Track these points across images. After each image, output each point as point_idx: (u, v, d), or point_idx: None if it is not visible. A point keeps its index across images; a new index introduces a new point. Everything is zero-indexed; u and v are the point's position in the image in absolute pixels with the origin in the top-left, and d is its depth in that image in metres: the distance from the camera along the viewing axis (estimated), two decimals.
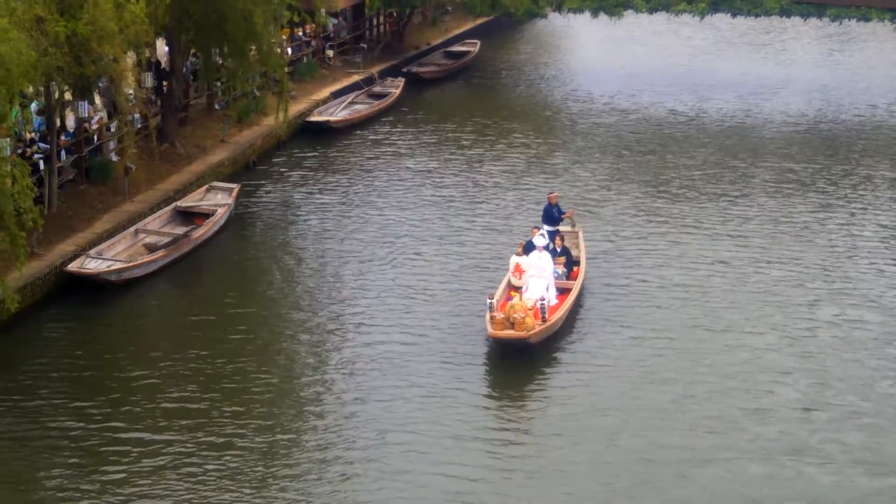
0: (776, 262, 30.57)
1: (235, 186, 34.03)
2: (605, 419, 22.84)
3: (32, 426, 22.23)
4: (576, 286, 27.29)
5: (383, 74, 48.53)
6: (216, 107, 40.25)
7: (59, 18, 27.89)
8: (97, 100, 32.97)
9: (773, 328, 26.76)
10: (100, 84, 32.61)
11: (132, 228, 30.77)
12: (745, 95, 48.70)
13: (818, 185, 37.08)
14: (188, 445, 21.63)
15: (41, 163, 30.25)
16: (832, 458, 21.64)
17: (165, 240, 30.32)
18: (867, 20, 50.03)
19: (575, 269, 28.21)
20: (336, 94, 45.13)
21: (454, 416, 22.73)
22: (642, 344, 25.81)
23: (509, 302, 25.39)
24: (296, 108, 38.70)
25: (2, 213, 24.72)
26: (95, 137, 33.42)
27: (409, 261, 30.31)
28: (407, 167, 38.25)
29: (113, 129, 33.99)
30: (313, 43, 48.19)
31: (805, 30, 59.82)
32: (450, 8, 57.68)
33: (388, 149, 40.39)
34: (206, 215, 32.10)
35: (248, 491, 20.30)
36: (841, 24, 51.99)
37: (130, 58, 32.26)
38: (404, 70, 49.77)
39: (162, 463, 21.07)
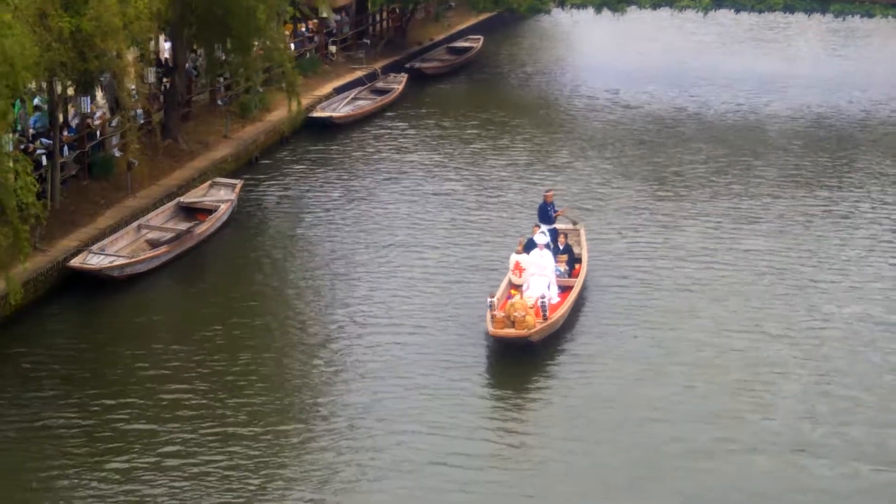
0: (780, 256, 30.54)
1: (238, 182, 33.99)
2: (607, 414, 22.84)
3: (35, 419, 22.25)
4: (577, 284, 27.20)
5: (386, 70, 48.42)
6: (219, 102, 40.21)
7: (63, 14, 27.85)
8: (98, 95, 32.89)
9: (777, 322, 26.74)
10: (101, 79, 32.56)
11: (135, 224, 30.74)
12: (749, 91, 48.59)
13: (822, 181, 37.04)
14: (191, 438, 21.65)
15: (44, 158, 30.20)
16: (836, 452, 21.65)
17: (168, 235, 30.28)
18: (871, 16, 49.92)
19: (577, 266, 28.11)
20: (339, 90, 45.07)
21: (456, 411, 22.73)
22: (645, 341, 25.77)
23: (510, 301, 25.32)
24: (293, 108, 38.58)
25: (5, 207, 24.75)
26: (98, 133, 33.38)
27: (411, 257, 30.27)
28: (409, 163, 38.20)
29: (115, 125, 33.95)
30: (316, 39, 48.12)
31: (809, 25, 59.70)
32: (453, 3, 57.61)
33: (391, 145, 40.35)
34: (209, 211, 32.06)
35: (250, 483, 20.32)
36: (844, 19, 51.88)
37: (133, 53, 32.23)
38: (407, 66, 49.67)
39: (164, 456, 21.09)
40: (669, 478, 20.82)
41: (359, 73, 47.06)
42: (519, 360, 24.66)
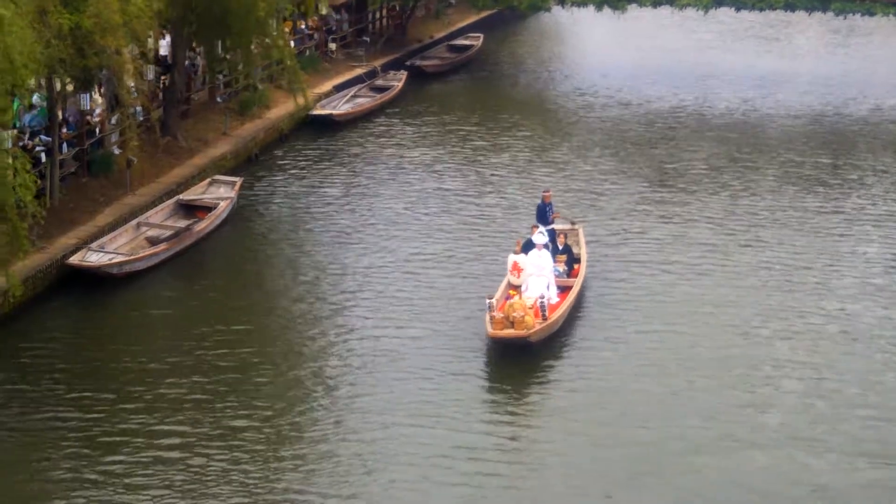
0: (780, 254, 30.52)
1: (238, 180, 33.95)
2: (606, 410, 22.82)
3: (35, 415, 22.22)
4: (576, 284, 27.11)
5: (386, 68, 48.40)
6: (218, 100, 40.16)
7: (63, 10, 27.80)
8: (95, 93, 32.84)
9: (777, 321, 26.72)
10: (101, 76, 32.51)
11: (134, 221, 30.69)
12: (750, 89, 48.60)
13: (823, 179, 37.02)
14: (191, 433, 21.66)
15: (43, 155, 30.15)
16: (835, 448, 21.66)
17: (167, 233, 30.24)
18: (871, 14, 49.96)
19: (576, 266, 28.03)
20: (339, 88, 45.04)
21: (456, 407, 22.71)
22: (644, 340, 25.70)
23: (508, 301, 25.24)
24: (301, 101, 38.64)
25: (3, 204, 24.71)
26: (97, 130, 33.33)
27: (411, 254, 30.23)
28: (409, 160, 38.16)
29: (115, 122, 33.90)
30: (316, 36, 48.07)
31: (810, 23, 59.67)
32: (453, 1, 57.58)
33: (391, 142, 40.30)
34: (209, 208, 32.01)
35: (250, 480, 20.28)
36: (845, 18, 51.90)
37: (133, 51, 32.18)
38: (407, 63, 49.65)
39: (164, 451, 21.09)
40: (669, 473, 20.80)
41: (359, 71, 47.02)
42: (518, 359, 24.61)
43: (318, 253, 30.58)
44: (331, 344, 25.49)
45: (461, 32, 56.22)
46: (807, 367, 24.71)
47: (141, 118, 34.26)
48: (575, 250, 28.52)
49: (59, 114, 31.57)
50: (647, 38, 57.95)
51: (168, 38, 37.50)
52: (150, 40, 35.05)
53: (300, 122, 41.00)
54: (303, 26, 47.36)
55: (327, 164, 37.79)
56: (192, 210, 32.11)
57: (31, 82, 29.18)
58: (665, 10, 53.44)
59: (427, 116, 43.63)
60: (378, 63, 48.49)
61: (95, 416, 22.23)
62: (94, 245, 28.79)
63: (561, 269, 27.40)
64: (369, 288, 28.17)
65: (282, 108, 40.65)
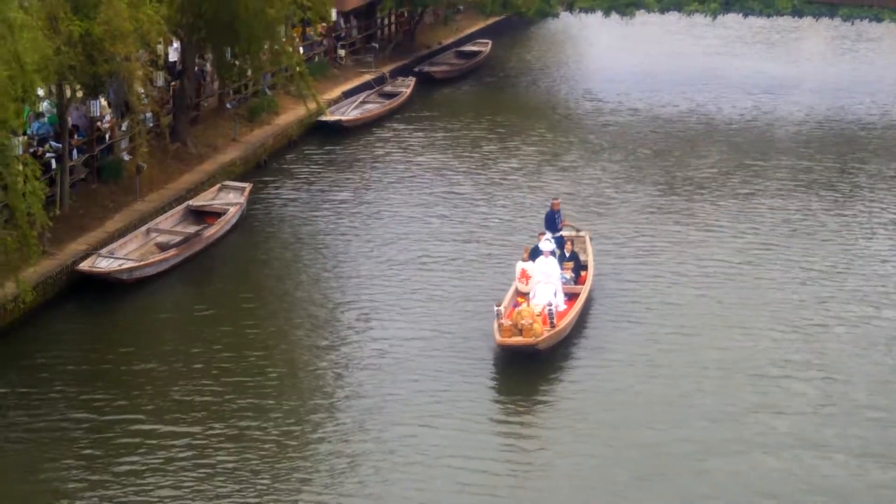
0: (788, 260, 30.55)
1: (247, 185, 34.03)
2: (614, 415, 22.90)
3: (46, 418, 22.35)
4: (584, 291, 27.10)
5: (394, 74, 48.49)
6: (227, 106, 40.27)
7: (73, 17, 27.90)
8: (102, 101, 32.93)
9: (786, 324, 26.81)
10: (111, 84, 32.60)
11: (144, 227, 30.78)
12: (758, 95, 48.61)
13: (831, 184, 37.04)
14: (200, 438, 21.75)
15: (53, 162, 30.26)
16: (844, 451, 21.72)
17: (177, 239, 30.32)
18: (879, 20, 49.90)
19: (583, 273, 28.02)
20: (347, 94, 45.12)
21: (464, 412, 22.81)
22: (653, 345, 25.73)
23: (517, 309, 25.27)
24: (312, 106, 38.72)
25: (14, 211, 24.82)
26: (107, 136, 33.44)
27: (419, 261, 30.28)
28: (418, 166, 38.23)
29: (125, 129, 34.00)
30: (325, 42, 48.17)
31: (817, 29, 59.68)
32: (461, 7, 57.61)
33: (400, 148, 40.38)
34: (218, 214, 32.10)
35: (259, 482, 20.39)
36: (853, 24, 51.87)
37: (142, 57, 32.26)
38: (416, 69, 49.73)
39: (174, 455, 21.19)
40: (677, 476, 20.87)
41: (367, 77, 47.11)
42: (526, 365, 24.65)
43: (327, 258, 30.64)
44: (340, 348, 25.55)
45: (469, 38, 56.27)
46: (816, 370, 24.76)
47: (151, 124, 34.36)
48: (582, 257, 28.50)
49: (69, 120, 31.68)
50: (655, 43, 57.98)
51: (178, 44, 37.60)
52: (160, 46, 35.18)
53: (309, 128, 41.07)
54: (311, 32, 47.42)
55: (336, 169, 37.87)
56: (202, 216, 32.20)
57: (42, 90, 29.28)
58: (673, 16, 53.46)
59: (435, 122, 43.70)
60: (387, 69, 48.59)
61: (106, 418, 22.36)
62: (104, 251, 28.88)
63: (568, 277, 27.40)
64: (378, 292, 28.22)
65: (291, 115, 40.74)
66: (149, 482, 20.35)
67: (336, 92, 44.97)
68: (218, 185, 34.03)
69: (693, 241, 31.88)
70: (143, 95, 32.52)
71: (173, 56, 39.06)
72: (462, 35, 56.56)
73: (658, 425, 22.46)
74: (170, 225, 31.43)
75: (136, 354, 25.06)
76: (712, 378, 24.34)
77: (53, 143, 30.92)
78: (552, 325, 24.94)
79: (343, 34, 50.01)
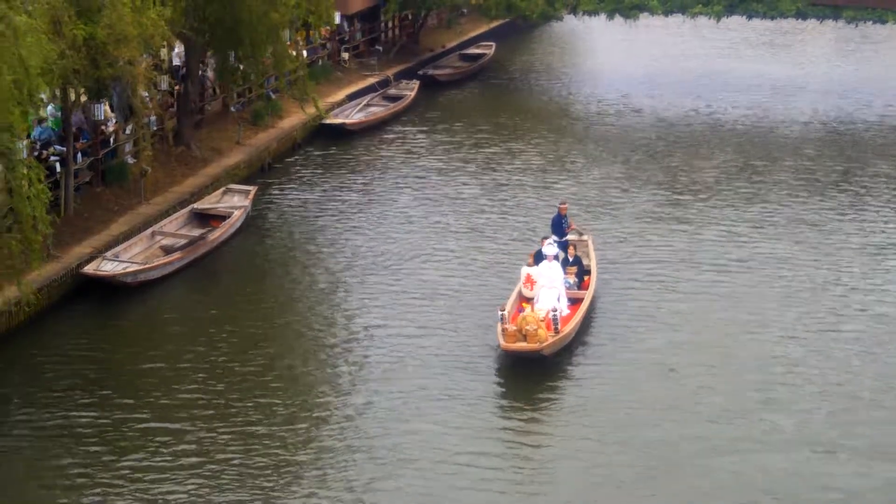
0: (794, 260, 30.54)
1: (252, 189, 34.06)
2: (619, 415, 22.89)
3: (51, 419, 22.41)
4: (587, 296, 27.04)
5: (398, 77, 48.55)
6: (232, 109, 40.30)
7: (77, 21, 27.94)
8: (104, 105, 32.97)
9: (791, 325, 26.80)
10: (114, 88, 32.64)
11: (148, 231, 30.81)
12: (762, 97, 48.62)
13: (836, 185, 37.03)
14: (206, 437, 21.82)
15: (57, 165, 30.30)
16: (851, 450, 21.72)
17: (182, 242, 30.34)
18: (883, 22, 49.88)
19: (586, 278, 27.95)
20: (351, 97, 45.17)
21: (468, 411, 22.85)
22: (658, 348, 25.66)
23: (521, 314, 25.22)
24: (311, 111, 38.80)
25: (18, 214, 24.83)
26: (111, 140, 33.47)
27: (424, 263, 30.28)
28: (422, 168, 38.25)
29: (129, 132, 34.03)
30: (328, 46, 48.21)
31: (822, 32, 59.68)
32: (465, 10, 57.67)
33: (404, 151, 40.40)
34: (223, 217, 32.12)
35: (265, 482, 20.44)
36: (857, 26, 51.82)
37: (146, 61, 32.30)
38: (419, 72, 49.78)
39: (179, 454, 21.25)
40: (683, 476, 20.88)
41: (371, 80, 47.15)
42: (530, 368, 24.64)
43: (332, 261, 30.65)
44: (345, 350, 25.57)
45: (473, 41, 56.33)
46: (823, 369, 24.76)
47: (155, 128, 34.40)
48: (585, 262, 28.42)
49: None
50: (658, 46, 58.01)
51: (181, 47, 37.63)
52: (164, 50, 35.21)
53: (313, 132, 41.09)
54: (313, 35, 47.42)
55: (340, 172, 37.89)
56: (207, 219, 32.23)
57: (45, 94, 29.32)
58: (677, 19, 53.41)
59: (439, 125, 43.72)
60: (391, 72, 48.65)
61: (111, 419, 22.41)
62: (108, 254, 28.90)
63: (571, 281, 27.31)
64: (382, 294, 28.23)
65: (295, 118, 40.78)
66: (154, 483, 20.39)
67: (340, 95, 45.01)
68: (222, 189, 34.05)
69: (697, 242, 31.84)
70: (146, 99, 32.55)
71: (176, 60, 39.12)
72: (466, 38, 56.62)
73: (664, 425, 22.44)
74: (174, 228, 31.46)
75: (140, 356, 25.09)
76: (718, 378, 24.33)
77: (58, 147, 30.96)
78: (556, 331, 24.87)
79: (347, 37, 50.05)
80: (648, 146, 41.26)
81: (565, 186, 36.29)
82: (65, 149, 30.58)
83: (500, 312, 25.21)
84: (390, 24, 53.75)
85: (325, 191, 36.06)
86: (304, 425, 22.41)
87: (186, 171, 35.13)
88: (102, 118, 32.63)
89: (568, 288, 26.85)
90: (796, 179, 37.62)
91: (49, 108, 32.26)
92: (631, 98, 47.96)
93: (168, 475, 20.62)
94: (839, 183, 37.32)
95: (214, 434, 21.95)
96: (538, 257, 27.05)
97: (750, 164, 39.08)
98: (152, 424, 22.25)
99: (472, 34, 57.43)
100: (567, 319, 25.60)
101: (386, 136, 42.04)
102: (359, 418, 22.68)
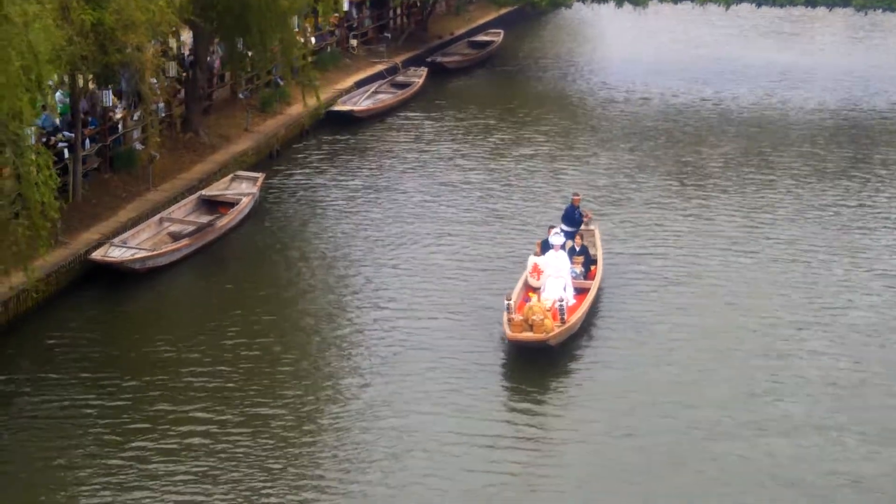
0: (802, 248, 30.52)
1: (260, 175, 34.07)
2: (626, 402, 22.92)
3: (59, 403, 22.52)
4: (594, 286, 26.95)
5: (407, 64, 48.51)
6: (240, 96, 40.30)
7: (86, 7, 27.94)
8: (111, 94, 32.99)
9: (799, 312, 26.81)
10: (122, 74, 32.66)
11: (156, 217, 30.84)
12: (771, 84, 48.53)
13: (845, 173, 36.97)
14: (213, 422, 21.91)
15: (66, 151, 30.33)
16: (858, 436, 21.77)
17: (190, 228, 30.37)
18: (893, 10, 49.89)
19: (593, 268, 27.88)
20: (360, 84, 45.13)
21: (477, 396, 22.93)
22: (665, 335, 25.68)
23: (527, 304, 25.19)
24: (311, 101, 38.72)
25: (27, 200, 24.87)
26: (120, 126, 33.50)
27: (432, 250, 30.29)
28: (430, 155, 38.23)
29: (137, 118, 34.06)
30: (337, 33, 48.17)
31: (831, 20, 59.52)
32: None
33: (412, 138, 40.38)
34: (231, 204, 32.14)
35: (274, 464, 20.55)
36: (867, 14, 51.76)
37: (154, 48, 32.30)
38: (428, 60, 49.72)
39: (188, 439, 21.34)
40: (691, 462, 20.92)
41: (379, 67, 47.12)
42: (537, 356, 24.64)
43: (340, 247, 30.66)
44: (352, 336, 25.60)
45: (481, 29, 56.25)
46: (830, 355, 24.80)
47: (163, 114, 34.41)
48: (591, 251, 28.34)
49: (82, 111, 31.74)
50: (667, 33, 57.91)
51: (190, 34, 37.61)
52: (174, 39, 35.20)
53: (321, 119, 41.09)
54: (322, 22, 47.36)
55: (348, 159, 37.89)
56: (215, 206, 32.26)
57: (55, 79, 29.33)
58: (686, 6, 53.32)
59: (447, 112, 43.68)
60: (399, 59, 48.61)
61: (119, 403, 22.50)
62: (116, 240, 28.94)
63: (578, 271, 27.24)
64: (390, 281, 28.26)
65: (302, 105, 40.69)
66: (161, 466, 20.47)
67: (348, 82, 44.98)
68: (231, 175, 34.06)
69: (705, 230, 31.83)
70: (154, 85, 32.56)
71: (184, 46, 39.10)
72: (474, 25, 56.54)
73: (671, 412, 22.48)
74: (182, 214, 31.48)
75: (148, 341, 25.15)
76: (726, 364, 24.35)
77: (66, 133, 30.99)
78: (563, 321, 24.82)
79: (355, 24, 50.02)
80: (656, 134, 41.20)
81: (573, 174, 36.27)
82: (73, 135, 30.60)
83: (506, 302, 25.18)
84: (399, 12, 53.68)
85: (333, 178, 36.06)
86: (311, 408, 22.48)
87: (194, 157, 35.15)
88: (111, 104, 32.65)
89: (574, 278, 26.78)
90: (805, 167, 37.57)
91: (57, 94, 32.26)
92: (639, 85, 47.90)
93: (176, 458, 20.72)
94: (848, 170, 37.27)
95: (222, 418, 22.03)
96: (545, 246, 27.00)
97: (759, 152, 39.02)
98: (160, 408, 22.33)
99: (481, 21, 57.34)
100: (573, 309, 25.54)
101: (394, 124, 42.03)
102: (367, 401, 22.75)
